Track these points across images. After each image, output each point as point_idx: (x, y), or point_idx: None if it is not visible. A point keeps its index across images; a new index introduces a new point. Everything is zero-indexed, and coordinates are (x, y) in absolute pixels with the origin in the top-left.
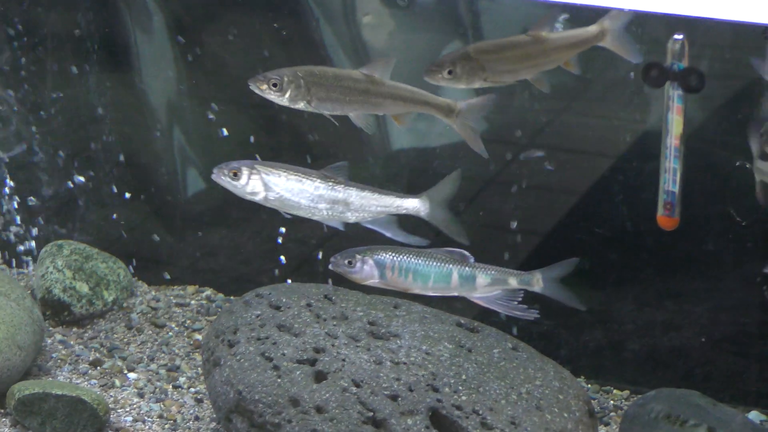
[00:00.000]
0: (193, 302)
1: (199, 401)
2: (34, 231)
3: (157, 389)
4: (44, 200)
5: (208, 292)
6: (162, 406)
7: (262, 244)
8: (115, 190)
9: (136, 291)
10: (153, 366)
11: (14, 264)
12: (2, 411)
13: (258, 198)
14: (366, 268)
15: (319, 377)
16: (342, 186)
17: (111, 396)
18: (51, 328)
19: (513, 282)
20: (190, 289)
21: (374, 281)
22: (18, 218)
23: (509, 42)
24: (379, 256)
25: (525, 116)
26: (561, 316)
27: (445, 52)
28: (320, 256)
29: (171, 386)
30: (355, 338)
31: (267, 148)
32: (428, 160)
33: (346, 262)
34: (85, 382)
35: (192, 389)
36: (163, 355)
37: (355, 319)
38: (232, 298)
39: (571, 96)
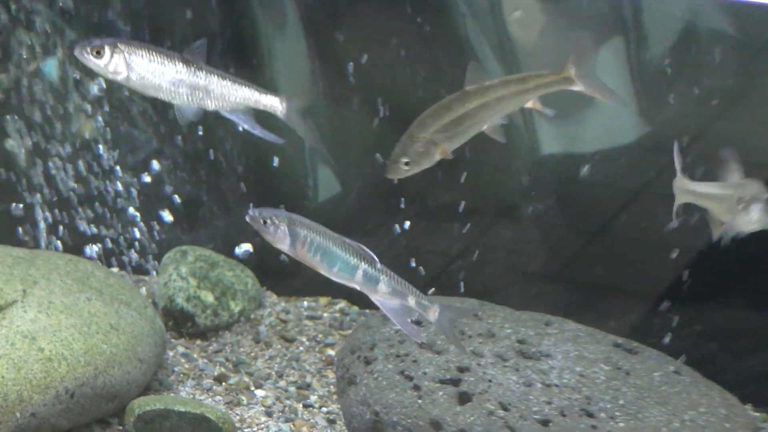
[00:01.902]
0: (325, 315)
1: (331, 422)
2: (157, 236)
3: (287, 408)
4: (169, 205)
5: (342, 304)
6: (292, 426)
7: (399, 254)
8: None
9: (264, 302)
10: (282, 383)
11: (134, 270)
12: (121, 428)
13: (120, 78)
14: (278, 233)
15: (463, 399)
16: (203, 72)
17: (237, 414)
18: (173, 340)
19: (411, 302)
20: (323, 300)
21: (284, 248)
22: (140, 222)
23: (450, 104)
24: (295, 228)
25: (686, 122)
26: (725, 339)
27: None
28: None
29: (301, 405)
30: (502, 357)
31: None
32: (578, 166)
33: (261, 220)
34: (210, 399)
35: (324, 409)
36: (292, 371)
37: (502, 336)
38: (368, 311)
39: (732, 101)
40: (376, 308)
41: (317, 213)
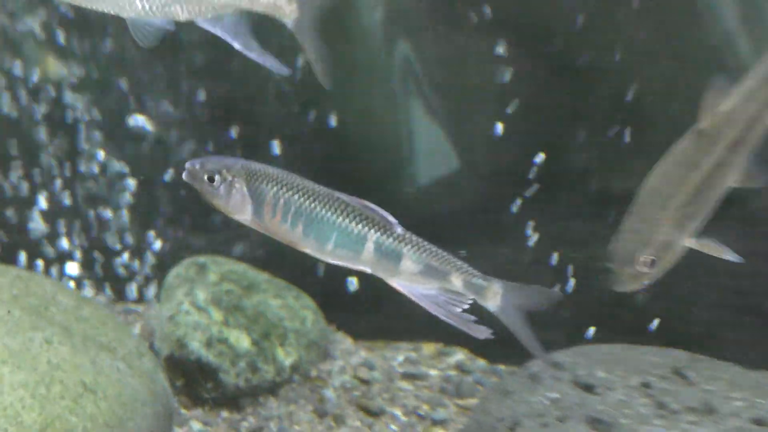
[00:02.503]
0: (433, 372)
1: None
2: (156, 241)
3: None
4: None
5: (460, 355)
6: None
7: (544, 272)
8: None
9: (333, 350)
10: None
11: (117, 294)
12: None
13: None
14: (234, 195)
15: None
16: None
17: None
18: (184, 411)
19: (456, 282)
20: (428, 348)
21: (245, 218)
22: (127, 221)
23: (691, 157)
24: (259, 184)
25: None
26: None
27: None
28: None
29: None
30: None
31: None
32: None
33: (205, 176)
34: None
35: None
36: None
37: (728, 413)
38: (502, 367)
39: None
40: (516, 360)
41: (418, 202)
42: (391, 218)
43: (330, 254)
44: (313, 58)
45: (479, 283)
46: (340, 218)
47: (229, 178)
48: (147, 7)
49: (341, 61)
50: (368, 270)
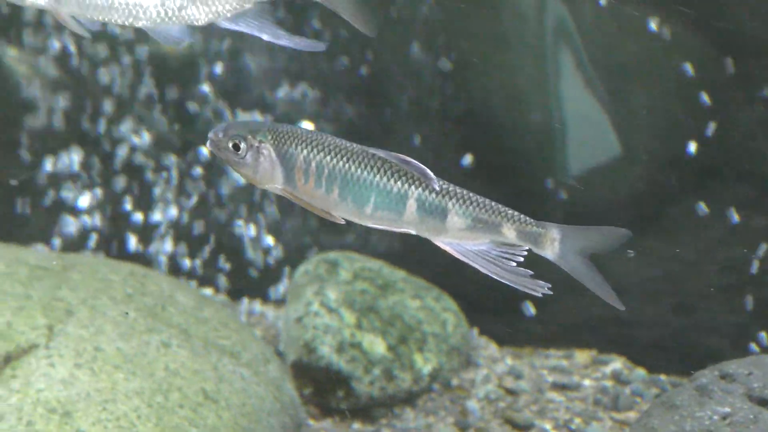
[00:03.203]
0: (586, 382)
1: None
2: (282, 235)
3: None
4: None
5: (617, 363)
6: None
7: (716, 279)
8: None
9: (476, 356)
10: None
11: (235, 292)
12: None
13: (42, 3)
14: (263, 162)
15: None
16: None
17: None
18: (312, 422)
19: (508, 232)
20: (581, 356)
21: (276, 186)
22: (246, 208)
23: None
24: (288, 146)
25: None
26: None
27: None
28: None
29: None
30: None
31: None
32: None
33: (230, 144)
34: None
35: None
36: None
37: None
38: (663, 377)
39: None
40: (680, 369)
41: (572, 196)
42: (428, 171)
43: (370, 217)
44: (348, 14)
45: (534, 231)
46: (378, 177)
47: (256, 143)
48: (162, 12)
49: (484, 34)
50: (412, 231)
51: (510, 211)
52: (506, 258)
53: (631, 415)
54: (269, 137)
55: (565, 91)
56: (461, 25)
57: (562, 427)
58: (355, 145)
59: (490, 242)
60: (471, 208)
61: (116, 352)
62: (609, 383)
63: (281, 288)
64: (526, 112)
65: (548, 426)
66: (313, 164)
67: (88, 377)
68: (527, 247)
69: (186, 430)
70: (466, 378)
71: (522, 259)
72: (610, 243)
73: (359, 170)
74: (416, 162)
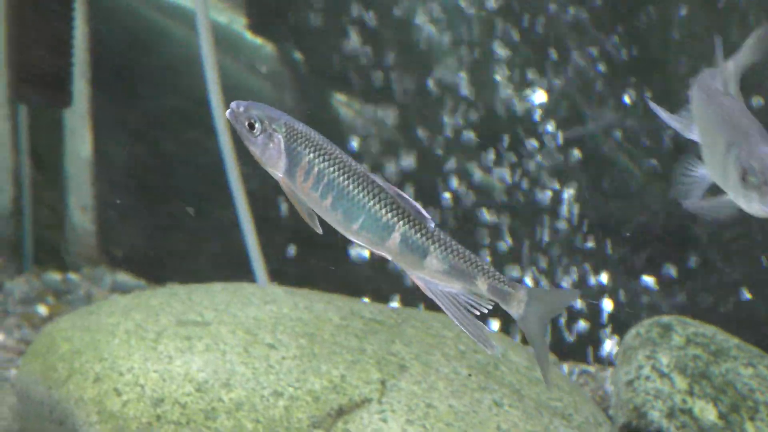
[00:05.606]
0: None
1: None
2: (611, 295)
3: None
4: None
5: None
6: None
7: None
8: None
9: None
10: None
11: (563, 349)
12: None
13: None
14: (271, 149)
15: None
16: None
17: None
18: None
19: (481, 284)
20: None
21: (277, 172)
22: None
23: None
24: (297, 144)
25: None
26: None
27: None
28: None
29: None
30: None
31: None
32: None
33: (246, 122)
34: None
35: None
36: None
37: None
38: None
39: None
40: None
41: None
42: (424, 213)
43: (355, 234)
44: None
45: (505, 289)
46: (372, 201)
47: (270, 130)
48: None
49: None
50: (389, 257)
51: (486, 266)
52: (472, 306)
53: None
54: (284, 129)
55: None
56: None
57: None
58: (359, 165)
59: (462, 288)
60: (451, 255)
61: (448, 409)
62: None
63: (606, 348)
64: None
65: None
66: (316, 169)
67: None
68: (495, 302)
69: None
70: None
71: (486, 311)
72: (564, 305)
73: (356, 190)
74: (412, 200)
